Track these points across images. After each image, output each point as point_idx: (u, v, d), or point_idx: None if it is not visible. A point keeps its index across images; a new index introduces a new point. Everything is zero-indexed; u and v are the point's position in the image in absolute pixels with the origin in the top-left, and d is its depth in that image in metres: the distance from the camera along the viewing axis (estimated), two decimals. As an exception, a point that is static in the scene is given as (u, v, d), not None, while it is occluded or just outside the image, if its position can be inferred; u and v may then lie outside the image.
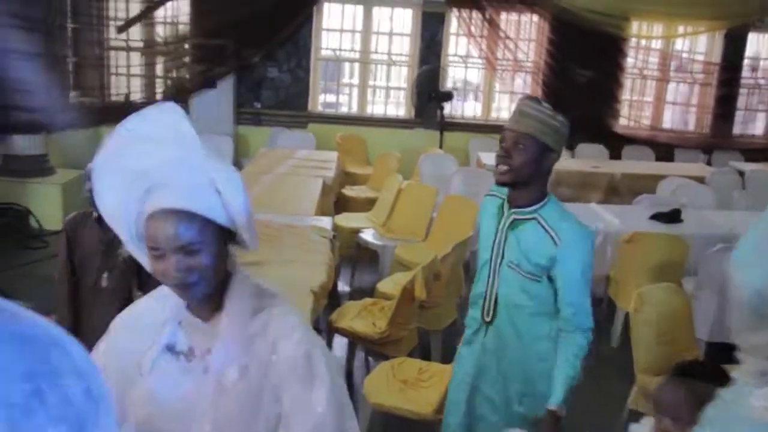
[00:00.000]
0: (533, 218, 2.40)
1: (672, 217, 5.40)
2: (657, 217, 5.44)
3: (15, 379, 0.66)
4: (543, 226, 2.37)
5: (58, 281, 3.16)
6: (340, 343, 4.32)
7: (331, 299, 4.32)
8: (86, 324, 2.99)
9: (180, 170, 1.35)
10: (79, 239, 3.12)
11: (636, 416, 3.63)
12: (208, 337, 1.42)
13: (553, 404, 2.37)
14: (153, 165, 1.35)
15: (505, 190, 2.47)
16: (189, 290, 1.38)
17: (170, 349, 1.45)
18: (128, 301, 3.23)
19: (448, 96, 8.39)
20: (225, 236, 1.41)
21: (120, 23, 8.24)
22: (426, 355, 4.20)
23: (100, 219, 3.13)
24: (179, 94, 8.52)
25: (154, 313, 1.50)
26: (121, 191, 1.37)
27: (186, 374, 1.43)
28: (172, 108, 1.41)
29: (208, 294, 1.40)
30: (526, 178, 2.37)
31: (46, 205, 6.90)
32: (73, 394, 0.70)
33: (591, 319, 2.45)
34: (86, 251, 3.08)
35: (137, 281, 3.21)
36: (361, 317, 3.99)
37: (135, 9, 8.25)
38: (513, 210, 2.44)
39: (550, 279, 2.40)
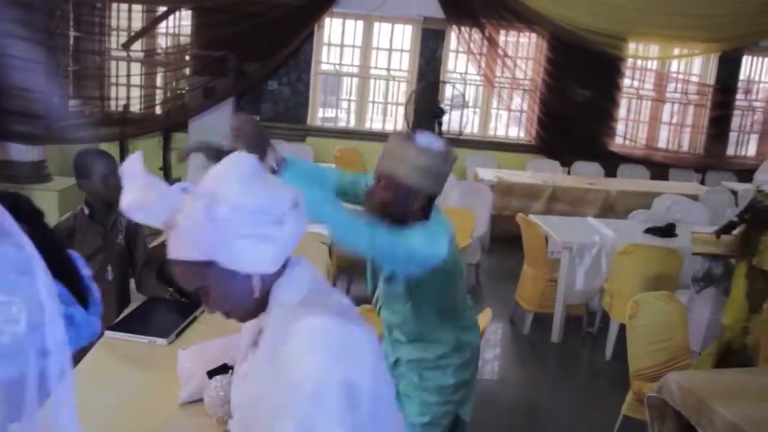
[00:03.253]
0: None
1: (666, 231, 5.45)
2: (652, 231, 5.49)
3: None
4: None
5: None
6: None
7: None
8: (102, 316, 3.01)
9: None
10: (78, 239, 3.15)
11: (630, 423, 3.66)
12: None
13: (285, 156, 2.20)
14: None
15: None
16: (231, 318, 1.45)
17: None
18: (126, 291, 3.28)
19: (441, 112, 8.47)
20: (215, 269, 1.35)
21: (122, 32, 8.29)
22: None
23: (91, 214, 3.16)
24: (179, 116, 8.57)
25: None
26: None
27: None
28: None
29: (249, 315, 1.44)
30: (392, 217, 2.23)
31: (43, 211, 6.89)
32: None
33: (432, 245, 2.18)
34: (89, 248, 3.12)
35: (131, 269, 3.26)
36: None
37: (137, 18, 8.31)
38: None
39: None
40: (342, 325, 1.31)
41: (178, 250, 1.33)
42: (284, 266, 1.40)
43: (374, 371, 1.31)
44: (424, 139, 2.22)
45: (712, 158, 9.39)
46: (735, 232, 4.39)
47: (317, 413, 1.23)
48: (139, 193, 1.28)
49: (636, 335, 3.56)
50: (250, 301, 1.39)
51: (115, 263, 3.17)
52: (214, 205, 1.28)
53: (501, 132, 9.58)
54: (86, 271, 1.24)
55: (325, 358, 1.26)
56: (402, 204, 2.24)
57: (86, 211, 3.17)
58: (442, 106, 8.62)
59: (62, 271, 1.04)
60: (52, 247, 1.14)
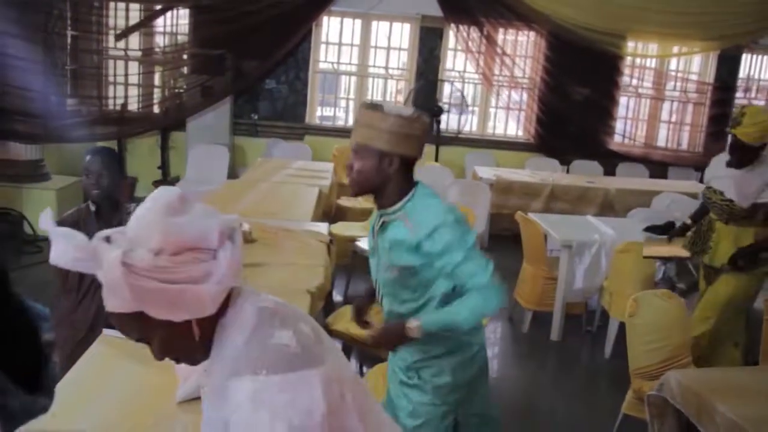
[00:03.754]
0: (399, 216, 2.32)
1: (666, 229, 5.40)
2: (651, 229, 5.45)
3: None
4: (405, 221, 2.30)
5: (58, 276, 3.18)
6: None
7: (327, 304, 4.31)
8: (99, 315, 3.01)
9: None
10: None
11: (630, 421, 3.65)
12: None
13: (416, 320, 2.27)
14: None
15: None
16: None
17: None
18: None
19: (439, 111, 8.46)
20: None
21: (119, 32, 8.28)
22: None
23: (97, 211, 3.16)
24: (177, 114, 8.55)
25: None
26: None
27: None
28: None
29: (199, 358, 1.38)
30: (372, 186, 2.32)
31: (40, 210, 6.82)
32: None
33: (487, 274, 2.24)
34: None
35: None
36: (358, 320, 3.98)
37: (134, 17, 8.28)
38: (380, 212, 2.39)
39: (425, 266, 2.30)
40: (280, 380, 1.24)
41: (107, 301, 1.24)
42: (228, 299, 1.32)
43: (328, 404, 1.26)
44: (390, 105, 2.26)
45: (711, 156, 9.30)
46: (689, 234, 4.45)
47: None
48: (63, 247, 1.21)
49: (636, 333, 3.54)
50: (193, 345, 1.31)
51: None
52: (133, 254, 1.20)
53: (500, 130, 9.57)
54: (48, 335, 1.19)
55: (267, 417, 1.22)
56: (376, 169, 2.27)
57: (92, 207, 3.17)
58: (440, 104, 8.61)
59: (11, 351, 0.99)
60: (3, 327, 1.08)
